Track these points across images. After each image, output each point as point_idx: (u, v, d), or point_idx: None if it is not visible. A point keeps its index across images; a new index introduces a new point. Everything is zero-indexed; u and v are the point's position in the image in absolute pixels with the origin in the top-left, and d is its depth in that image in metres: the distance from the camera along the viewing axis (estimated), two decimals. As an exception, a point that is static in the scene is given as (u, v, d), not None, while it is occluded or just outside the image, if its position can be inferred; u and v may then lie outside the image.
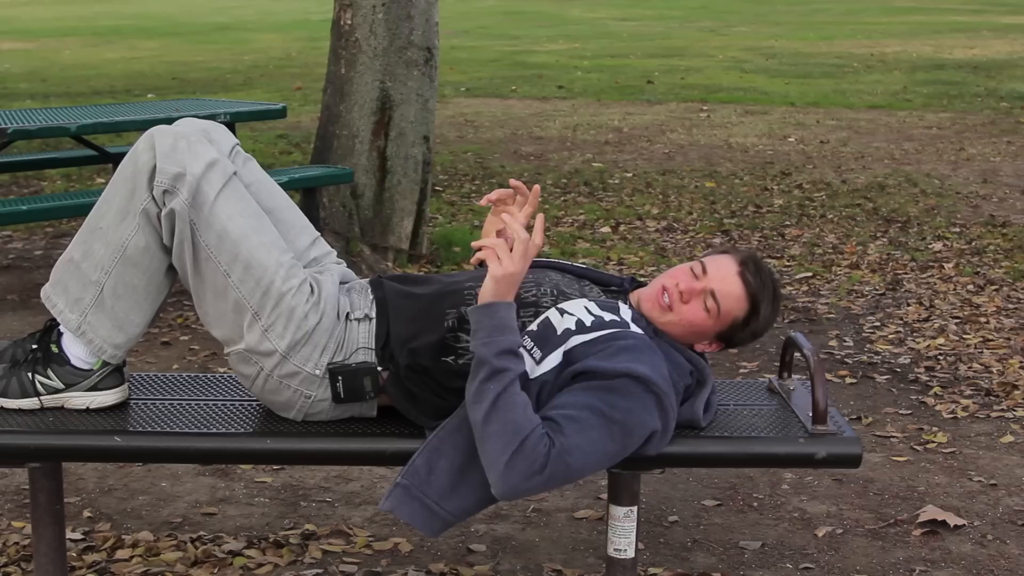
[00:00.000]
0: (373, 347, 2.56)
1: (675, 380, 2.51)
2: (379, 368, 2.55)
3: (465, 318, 2.50)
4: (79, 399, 2.62)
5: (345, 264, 2.79)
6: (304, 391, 2.54)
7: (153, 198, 2.50)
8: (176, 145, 2.51)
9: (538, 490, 2.37)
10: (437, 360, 2.52)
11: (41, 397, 2.61)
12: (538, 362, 2.46)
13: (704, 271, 2.59)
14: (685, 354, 2.59)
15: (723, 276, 2.59)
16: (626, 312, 2.56)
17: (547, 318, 2.50)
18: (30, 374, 2.60)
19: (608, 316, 2.51)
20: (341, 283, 2.67)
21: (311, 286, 2.57)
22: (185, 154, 2.50)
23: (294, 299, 2.52)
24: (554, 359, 2.46)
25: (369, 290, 2.66)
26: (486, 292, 2.41)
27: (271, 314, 2.51)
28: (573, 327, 2.48)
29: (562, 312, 2.51)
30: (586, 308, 2.52)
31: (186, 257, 2.52)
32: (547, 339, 2.47)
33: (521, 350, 2.40)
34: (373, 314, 2.59)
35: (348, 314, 2.59)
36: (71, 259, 2.59)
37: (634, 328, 2.52)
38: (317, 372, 2.54)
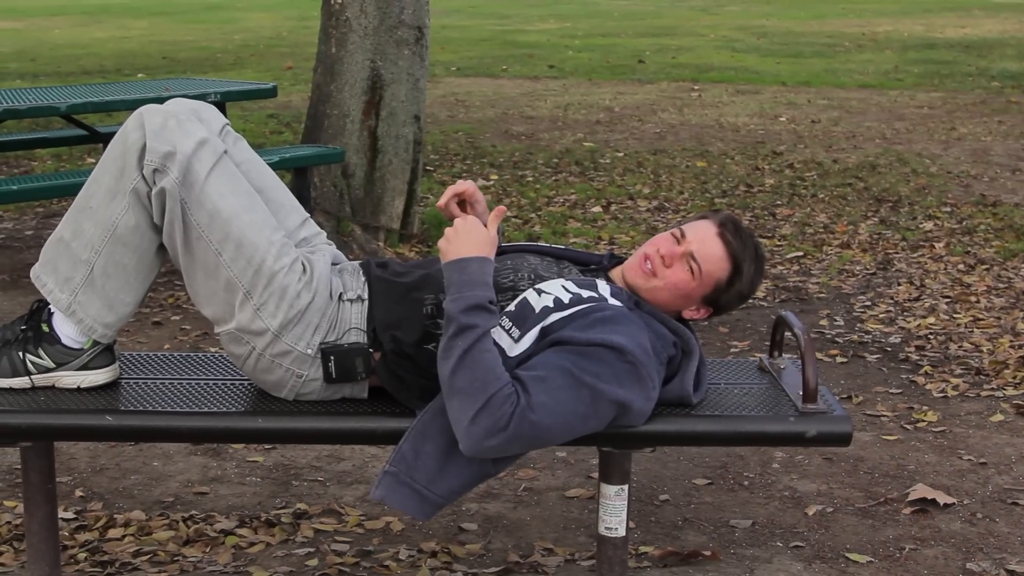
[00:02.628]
0: (365, 328, 2.57)
1: (657, 350, 2.51)
2: (370, 349, 2.55)
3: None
4: (70, 378, 2.62)
5: (335, 245, 2.79)
6: (296, 370, 2.55)
7: (143, 177, 2.49)
8: (166, 124, 2.50)
9: (503, 448, 2.36)
10: (419, 347, 2.53)
11: (32, 376, 2.61)
12: (516, 340, 2.46)
13: (684, 236, 2.62)
14: (668, 324, 2.58)
15: (703, 238, 2.62)
16: (604, 288, 2.57)
17: (524, 298, 2.51)
18: (21, 353, 2.60)
19: (586, 293, 2.52)
20: (332, 264, 2.67)
21: (303, 265, 2.57)
22: (175, 132, 2.49)
23: (286, 278, 2.52)
24: (532, 336, 2.46)
25: (360, 272, 2.66)
26: (447, 249, 2.43)
27: (263, 293, 2.51)
28: (551, 304, 2.49)
29: (540, 292, 2.52)
30: (563, 287, 2.53)
31: (176, 236, 2.51)
32: (525, 318, 2.48)
33: (491, 305, 2.39)
34: (366, 295, 2.60)
35: (341, 294, 2.59)
36: (60, 238, 2.58)
37: (612, 302, 2.53)
38: (309, 351, 2.54)
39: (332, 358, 2.54)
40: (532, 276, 2.59)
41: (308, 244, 2.72)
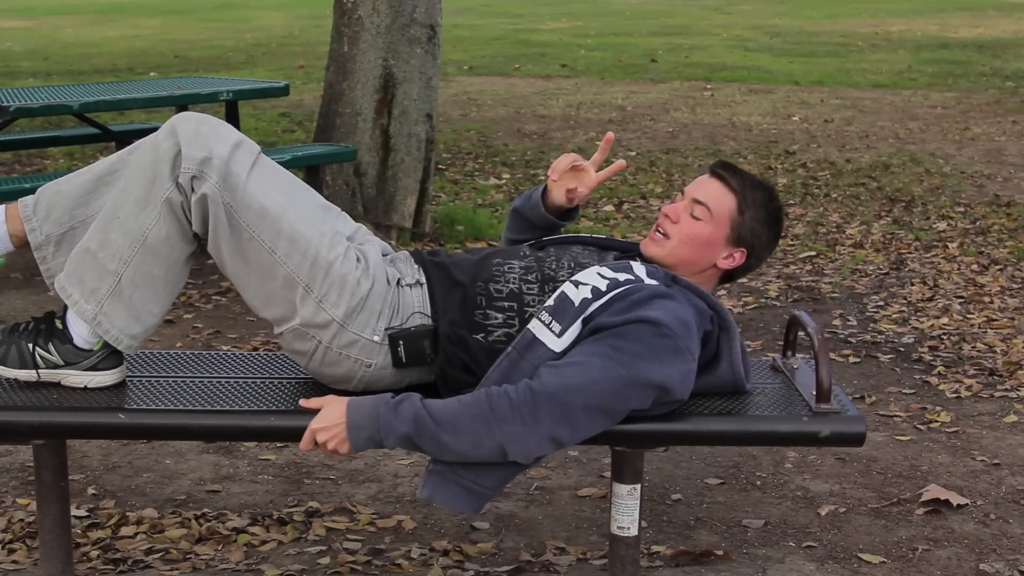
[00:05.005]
0: (428, 312, 2.58)
1: (698, 323, 2.51)
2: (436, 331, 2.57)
3: (492, 295, 2.56)
4: (77, 377, 2.61)
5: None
6: (364, 360, 2.54)
7: (178, 186, 2.47)
8: (199, 130, 2.49)
9: (551, 432, 2.37)
10: (470, 335, 2.55)
11: (39, 370, 2.60)
12: (559, 335, 2.47)
13: (682, 193, 2.69)
14: (706, 299, 2.59)
15: (698, 184, 2.69)
16: (639, 269, 2.58)
17: (563, 292, 2.52)
18: (31, 345, 2.60)
19: (622, 276, 2.53)
20: (383, 255, 2.68)
21: (357, 254, 2.57)
22: (209, 138, 2.48)
23: (343, 266, 2.51)
24: (575, 329, 2.47)
25: (412, 260, 2.68)
26: (332, 433, 2.43)
27: (323, 284, 2.50)
28: (589, 295, 2.50)
29: (577, 284, 2.52)
30: (599, 274, 2.54)
31: (224, 242, 2.49)
32: (564, 312, 2.49)
33: (395, 407, 2.39)
34: (423, 279, 2.61)
35: (399, 280, 2.60)
36: (87, 249, 2.55)
37: (649, 281, 2.54)
38: (376, 338, 2.54)
39: (401, 342, 2.54)
40: (572, 265, 2.60)
41: (353, 240, 2.71)
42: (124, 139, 6.50)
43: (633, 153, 8.84)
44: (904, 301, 5.30)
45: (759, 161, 8.54)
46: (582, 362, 2.40)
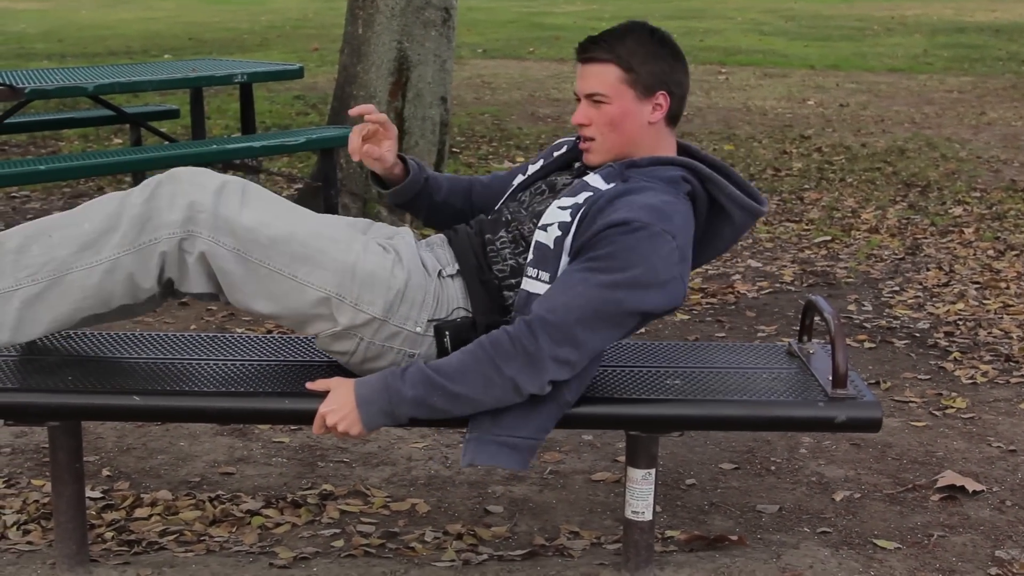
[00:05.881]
0: (469, 308, 2.58)
1: (673, 194, 2.51)
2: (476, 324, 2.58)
3: (501, 277, 2.57)
4: None
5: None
6: (407, 351, 2.55)
7: (142, 253, 2.43)
8: (176, 190, 2.44)
9: (555, 353, 2.39)
10: (501, 320, 2.56)
11: None
12: (549, 282, 2.48)
13: (578, 99, 2.63)
14: (673, 161, 2.57)
15: (580, 79, 2.61)
16: (594, 179, 2.57)
17: (536, 241, 2.52)
18: None
19: (581, 197, 2.52)
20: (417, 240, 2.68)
21: (380, 246, 2.55)
22: (188, 194, 2.43)
23: (367, 263, 2.50)
24: (563, 267, 2.49)
25: (447, 242, 2.67)
26: (345, 416, 2.44)
27: (353, 287, 2.48)
28: (559, 231, 2.49)
29: (545, 228, 2.52)
30: (559, 208, 2.53)
31: (241, 288, 2.46)
32: (545, 258, 2.49)
33: (402, 376, 2.41)
34: (456, 269, 2.61)
35: (440, 271, 2.59)
36: (1, 243, 2.49)
37: (607, 187, 2.53)
38: (419, 330, 2.54)
39: (447, 333, 2.55)
40: (532, 215, 2.59)
41: (368, 233, 2.69)
42: (138, 121, 6.51)
43: (647, 137, 8.81)
44: (920, 286, 5.28)
45: (774, 145, 8.51)
46: (564, 282, 2.43)
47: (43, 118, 6.79)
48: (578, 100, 2.63)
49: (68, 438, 2.65)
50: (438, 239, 2.70)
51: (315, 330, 2.55)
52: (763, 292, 5.21)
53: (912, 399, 4.01)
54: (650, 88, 2.58)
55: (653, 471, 2.65)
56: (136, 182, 6.52)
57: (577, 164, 2.72)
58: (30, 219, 6.26)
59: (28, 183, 6.21)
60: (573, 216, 2.49)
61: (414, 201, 2.82)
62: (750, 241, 6.04)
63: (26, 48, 13.76)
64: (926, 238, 6.09)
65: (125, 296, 2.50)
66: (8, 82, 5.47)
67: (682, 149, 2.69)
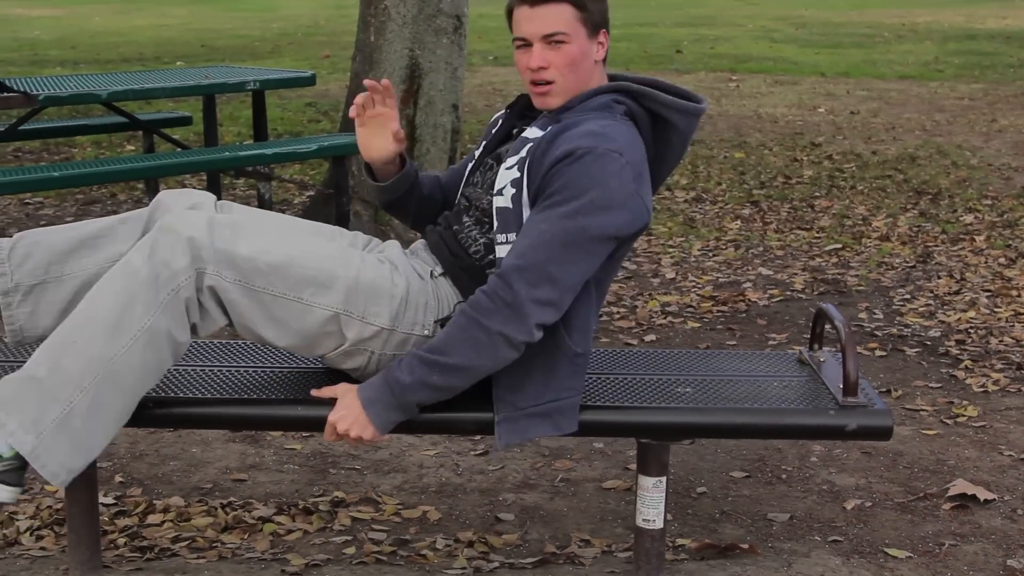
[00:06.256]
0: (464, 299, 2.60)
1: (610, 117, 2.51)
2: None
3: (480, 260, 2.59)
4: None
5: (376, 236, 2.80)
6: None
7: (171, 307, 2.38)
8: (171, 238, 2.40)
9: (533, 295, 2.39)
10: (464, 269, 2.60)
11: None
12: None
13: (524, 40, 2.57)
14: (599, 90, 2.57)
15: (528, 22, 2.56)
16: (532, 132, 2.57)
17: (497, 207, 2.52)
18: None
19: (524, 151, 2.52)
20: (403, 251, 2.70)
21: (375, 258, 2.57)
22: (187, 231, 2.39)
23: (368, 274, 2.51)
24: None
25: (427, 246, 2.70)
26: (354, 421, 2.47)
27: (356, 302, 2.49)
28: (515, 190, 2.50)
29: (500, 192, 2.53)
30: (506, 169, 2.54)
31: (249, 318, 2.45)
32: (509, 220, 2.51)
33: (400, 368, 2.44)
34: (442, 269, 2.63)
35: (432, 271, 2.62)
36: (32, 376, 2.37)
37: (543, 132, 2.53)
38: (427, 332, 2.55)
39: None
40: (487, 190, 2.60)
41: (356, 245, 2.71)
42: (151, 128, 6.53)
43: (658, 144, 8.81)
44: (931, 294, 5.27)
45: (785, 153, 8.51)
46: (527, 228, 2.45)
47: (56, 125, 6.83)
48: (520, 47, 2.60)
49: (81, 445, 2.66)
50: (419, 244, 2.73)
51: (323, 350, 2.55)
52: (774, 300, 5.22)
53: (923, 407, 4.01)
54: (597, 26, 2.60)
55: (664, 479, 2.65)
56: (149, 189, 6.55)
57: (515, 130, 2.71)
58: (42, 226, 6.30)
59: (41, 190, 6.22)
60: (521, 170, 2.50)
61: (406, 196, 2.79)
62: (761, 249, 6.04)
63: (40, 55, 13.82)
64: (937, 246, 6.09)
65: (171, 357, 2.43)
66: (22, 89, 5.50)
67: (610, 79, 2.68)
